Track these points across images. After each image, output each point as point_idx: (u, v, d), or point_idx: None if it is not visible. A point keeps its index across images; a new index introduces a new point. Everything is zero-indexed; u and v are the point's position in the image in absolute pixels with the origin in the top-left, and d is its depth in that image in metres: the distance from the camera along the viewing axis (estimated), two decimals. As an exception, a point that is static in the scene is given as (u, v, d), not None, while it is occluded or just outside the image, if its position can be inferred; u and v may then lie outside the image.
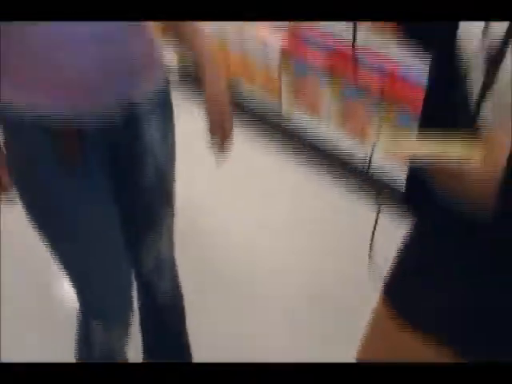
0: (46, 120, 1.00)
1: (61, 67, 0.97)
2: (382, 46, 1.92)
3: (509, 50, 0.66)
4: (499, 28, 0.67)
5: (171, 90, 1.19)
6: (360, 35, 0.91)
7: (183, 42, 1.18)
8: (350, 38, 0.91)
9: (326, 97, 2.26)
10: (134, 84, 1.07)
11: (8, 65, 0.98)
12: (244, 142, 2.32)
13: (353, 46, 0.93)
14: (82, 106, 1.01)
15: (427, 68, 0.82)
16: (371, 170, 2.19)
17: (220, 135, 1.18)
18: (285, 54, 2.34)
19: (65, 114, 1.00)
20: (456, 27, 0.73)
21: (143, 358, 1.52)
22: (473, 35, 0.71)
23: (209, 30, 1.36)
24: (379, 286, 0.95)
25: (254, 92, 2.57)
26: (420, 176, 0.78)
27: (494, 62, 0.69)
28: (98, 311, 1.22)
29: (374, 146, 2.11)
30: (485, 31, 0.69)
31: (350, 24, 0.89)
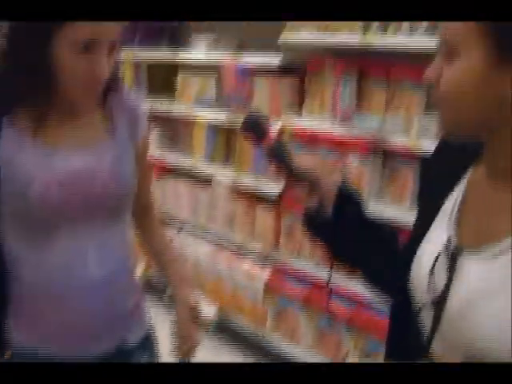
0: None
1: (71, 311, 1.20)
2: (351, 284, 2.31)
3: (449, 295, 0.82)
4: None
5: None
6: (334, 276, 1.16)
7: (162, 267, 1.46)
8: (325, 276, 1.14)
9: (304, 325, 2.62)
10: (129, 328, 1.30)
11: (22, 308, 1.21)
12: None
13: (327, 284, 1.19)
14: (86, 347, 1.23)
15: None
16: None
17: (185, 347, 1.38)
18: (269, 288, 2.76)
19: (68, 353, 1.19)
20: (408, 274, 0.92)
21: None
22: (422, 280, 0.87)
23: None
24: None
25: (242, 319, 2.93)
26: None
27: (437, 305, 0.84)
28: None
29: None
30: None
31: (325, 265, 1.14)
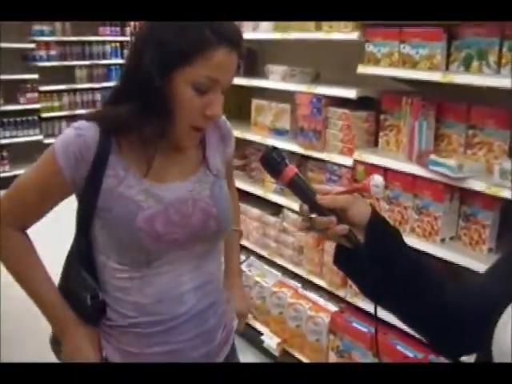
0: None
1: (164, 344, 1.26)
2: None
3: None
4: None
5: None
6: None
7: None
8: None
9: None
10: (219, 353, 1.38)
11: None
12: None
13: (375, 330, 1.08)
14: None
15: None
16: None
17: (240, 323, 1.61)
18: (333, 328, 2.66)
19: None
20: None
21: None
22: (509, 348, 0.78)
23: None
24: None
25: (303, 356, 2.84)
26: None
27: None
28: None
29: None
30: None
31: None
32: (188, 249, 1.26)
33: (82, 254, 1.25)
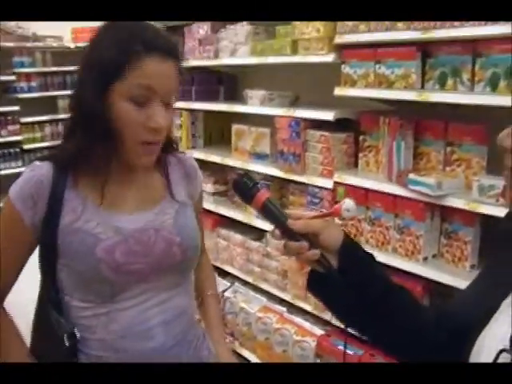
0: None
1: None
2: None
3: None
4: None
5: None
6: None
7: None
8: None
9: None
10: None
11: None
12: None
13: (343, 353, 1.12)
14: None
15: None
16: None
17: None
18: (319, 352, 2.62)
19: None
20: None
21: None
22: None
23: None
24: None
25: None
26: None
27: None
28: None
29: None
30: None
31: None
32: (154, 281, 1.23)
33: (51, 297, 1.21)
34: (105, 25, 1.18)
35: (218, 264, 3.40)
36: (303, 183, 2.70)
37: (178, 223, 1.27)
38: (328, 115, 2.46)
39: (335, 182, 2.48)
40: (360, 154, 2.48)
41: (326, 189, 2.56)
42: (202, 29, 3.22)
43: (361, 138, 2.46)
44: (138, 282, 1.20)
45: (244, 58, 2.95)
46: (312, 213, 1.01)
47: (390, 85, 2.21)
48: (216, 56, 3.16)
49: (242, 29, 2.91)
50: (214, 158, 3.28)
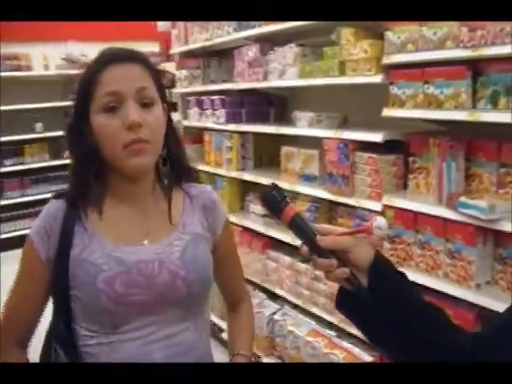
0: None
1: None
2: None
3: None
4: None
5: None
6: None
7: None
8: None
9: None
10: None
11: None
12: None
13: None
14: None
15: None
16: None
17: None
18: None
19: None
20: None
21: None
22: None
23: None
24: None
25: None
26: None
27: None
28: None
29: None
30: None
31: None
32: (158, 314, 1.21)
33: (59, 331, 1.22)
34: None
35: (267, 286, 3.38)
36: (352, 206, 2.65)
37: (185, 256, 1.24)
38: (376, 137, 2.41)
39: (384, 205, 2.42)
40: (410, 176, 2.41)
41: (374, 211, 2.50)
42: (250, 51, 3.24)
43: (410, 159, 2.39)
44: (141, 313, 1.19)
45: (292, 79, 2.94)
46: (341, 229, 0.98)
47: (439, 105, 2.15)
48: (265, 78, 3.17)
49: (290, 50, 2.91)
50: (263, 180, 3.28)
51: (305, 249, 0.96)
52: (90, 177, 1.21)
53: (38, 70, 6.59)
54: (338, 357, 2.70)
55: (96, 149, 1.20)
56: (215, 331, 3.75)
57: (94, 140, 1.19)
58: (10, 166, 6.46)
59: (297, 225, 0.97)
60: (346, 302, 0.98)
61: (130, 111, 1.16)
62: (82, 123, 1.20)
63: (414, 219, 2.30)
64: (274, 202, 0.98)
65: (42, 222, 1.24)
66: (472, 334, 0.97)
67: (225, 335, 3.65)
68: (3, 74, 6.33)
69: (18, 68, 6.49)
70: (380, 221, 0.95)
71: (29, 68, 6.58)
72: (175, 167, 1.31)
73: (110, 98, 1.17)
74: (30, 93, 6.38)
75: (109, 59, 1.19)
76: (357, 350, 2.69)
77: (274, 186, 1.00)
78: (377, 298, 0.92)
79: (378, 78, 2.37)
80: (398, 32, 2.24)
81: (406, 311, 0.93)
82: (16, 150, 6.52)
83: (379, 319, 0.92)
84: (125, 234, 1.23)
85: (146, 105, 1.19)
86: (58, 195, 1.28)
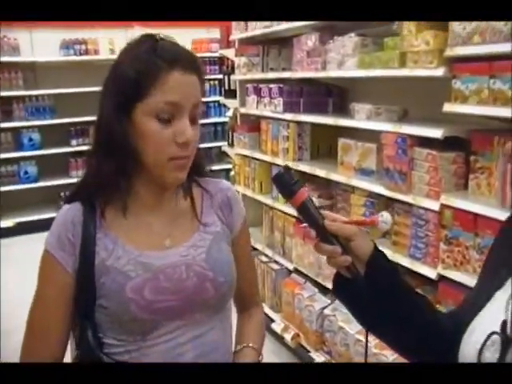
0: None
1: None
2: None
3: None
4: None
5: None
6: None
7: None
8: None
9: None
10: None
11: None
12: None
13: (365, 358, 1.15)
14: None
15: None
16: None
17: None
18: None
19: None
20: None
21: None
22: (469, 354, 0.88)
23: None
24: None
25: None
26: None
27: None
28: None
29: None
30: None
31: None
32: (186, 317, 1.18)
33: (92, 341, 1.16)
34: (125, 47, 1.17)
35: (319, 280, 3.33)
36: (409, 204, 2.54)
37: (210, 258, 1.22)
38: (436, 133, 2.29)
39: (442, 205, 2.30)
40: (471, 176, 2.28)
41: (432, 211, 2.39)
42: (310, 40, 3.16)
43: (472, 158, 2.26)
44: (170, 318, 1.16)
45: (351, 70, 2.84)
46: (347, 218, 1.03)
47: (506, 101, 2.01)
48: (323, 68, 3.08)
49: (350, 40, 2.81)
50: (319, 171, 3.21)
51: (312, 233, 1.00)
52: (118, 176, 1.15)
53: (104, 55, 6.73)
54: (388, 358, 2.62)
55: (135, 150, 1.14)
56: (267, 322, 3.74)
57: (135, 140, 1.13)
58: (76, 146, 6.67)
59: (307, 209, 1.00)
60: (342, 287, 1.05)
61: (188, 129, 1.12)
62: (121, 116, 1.12)
63: (473, 221, 2.18)
64: (287, 184, 1.00)
65: (60, 231, 1.17)
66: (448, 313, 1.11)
67: (275, 326, 3.64)
68: (72, 57, 6.54)
69: (86, 52, 6.69)
70: (387, 216, 1.03)
71: (96, 52, 6.76)
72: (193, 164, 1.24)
73: (168, 107, 1.10)
74: (97, 76, 6.52)
75: (173, 61, 1.10)
76: (408, 353, 2.60)
77: (288, 168, 1.02)
78: (372, 285, 0.98)
79: (439, 71, 2.24)
80: (464, 22, 2.10)
81: (398, 299, 1.02)
82: (82, 130, 6.73)
83: (372, 306, 0.98)
84: (147, 237, 1.20)
85: (194, 120, 1.15)
86: (70, 199, 1.22)
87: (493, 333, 0.84)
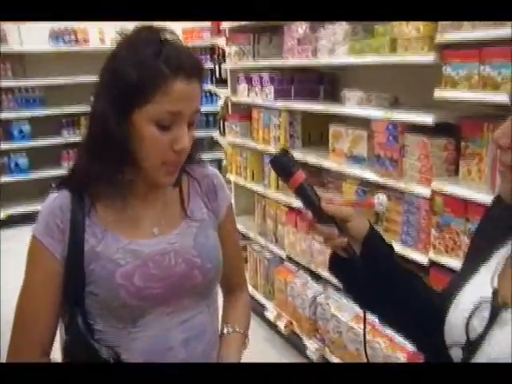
0: None
1: None
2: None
3: None
4: None
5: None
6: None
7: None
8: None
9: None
10: None
11: None
12: None
13: (364, 336, 1.26)
14: None
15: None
16: None
17: None
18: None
19: None
20: None
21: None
22: (457, 323, 0.92)
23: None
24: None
25: None
26: None
27: (469, 348, 0.88)
28: None
29: None
30: None
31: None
32: (175, 304, 1.20)
33: (82, 327, 1.16)
34: (125, 40, 1.13)
35: (312, 267, 3.34)
36: (400, 191, 2.55)
37: (198, 244, 1.24)
38: (427, 119, 2.30)
39: (433, 191, 2.31)
40: (461, 162, 2.29)
41: (423, 197, 2.40)
42: (300, 28, 3.15)
43: (462, 144, 2.27)
44: (159, 304, 1.18)
45: (342, 57, 2.84)
46: (343, 200, 1.03)
47: (496, 87, 2.02)
48: (314, 55, 3.08)
49: (340, 28, 2.80)
50: (311, 159, 3.21)
51: (309, 215, 1.01)
52: (109, 170, 1.15)
53: (94, 44, 6.68)
54: (380, 345, 2.65)
55: (130, 150, 1.13)
56: (257, 309, 3.76)
57: (131, 142, 1.12)
58: (68, 136, 6.64)
59: (304, 190, 1.02)
60: (338, 267, 1.08)
61: (185, 137, 1.12)
62: (119, 116, 1.10)
63: (464, 207, 2.20)
64: (285, 166, 1.02)
65: (49, 218, 1.16)
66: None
67: (268, 314, 3.66)
68: (61, 47, 6.49)
69: (76, 41, 6.65)
70: (383, 198, 1.10)
71: (86, 41, 6.71)
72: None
73: (170, 116, 1.10)
74: (87, 65, 6.48)
75: (178, 68, 1.08)
76: (399, 339, 2.63)
77: (285, 151, 1.04)
78: (368, 265, 1.01)
79: (430, 57, 2.24)
80: (454, 9, 2.10)
81: (394, 278, 1.06)
82: (73, 121, 6.69)
83: (367, 285, 1.02)
84: (136, 226, 1.21)
85: (191, 125, 1.15)
86: (58, 187, 1.21)
87: (482, 301, 0.87)
